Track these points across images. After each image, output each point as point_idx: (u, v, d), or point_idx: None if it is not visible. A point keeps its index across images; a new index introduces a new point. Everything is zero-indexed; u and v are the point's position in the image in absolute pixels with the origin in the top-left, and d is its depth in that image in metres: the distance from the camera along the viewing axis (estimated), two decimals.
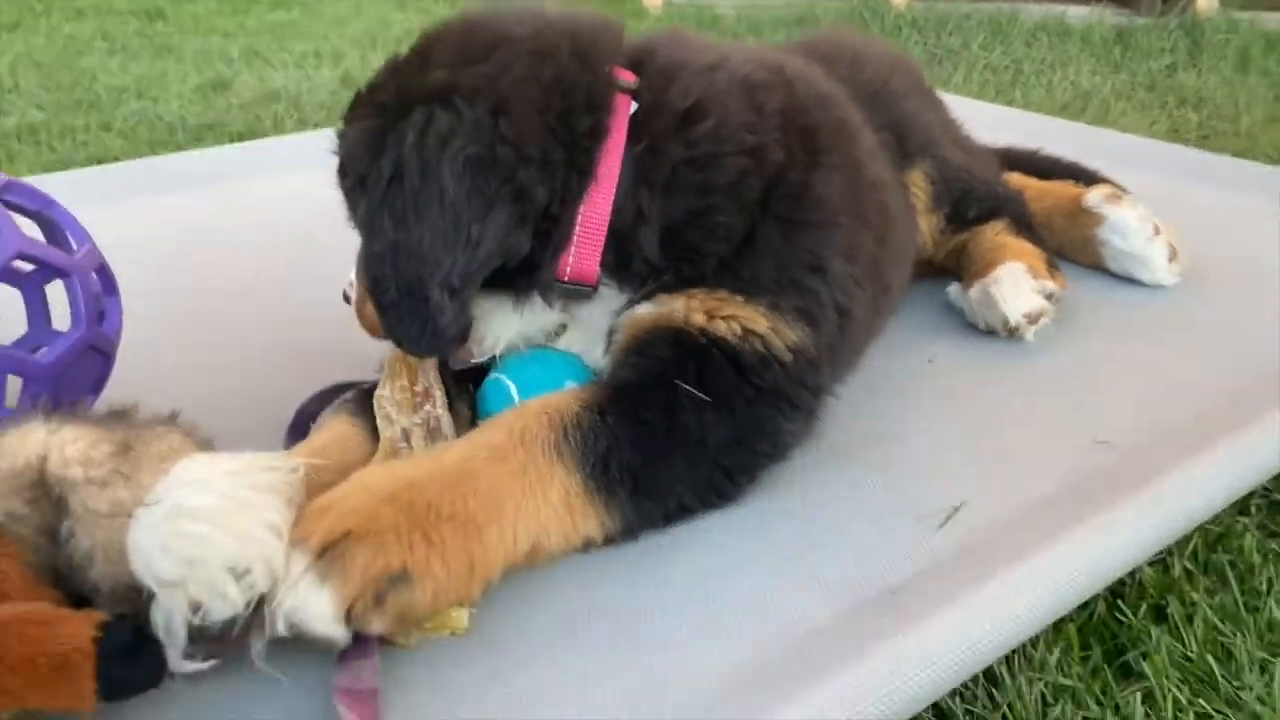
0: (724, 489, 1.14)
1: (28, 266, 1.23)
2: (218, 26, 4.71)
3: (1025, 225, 1.68)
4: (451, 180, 1.07)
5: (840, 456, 1.25)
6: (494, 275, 1.13)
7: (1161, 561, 1.29)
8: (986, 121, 1.99)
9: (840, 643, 0.95)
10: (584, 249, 1.15)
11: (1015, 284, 1.52)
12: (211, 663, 0.88)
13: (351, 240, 1.19)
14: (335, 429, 1.15)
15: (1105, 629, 1.27)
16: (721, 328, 1.15)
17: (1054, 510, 1.14)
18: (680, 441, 1.10)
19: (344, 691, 0.87)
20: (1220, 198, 2.05)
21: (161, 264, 1.80)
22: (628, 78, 1.19)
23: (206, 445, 0.95)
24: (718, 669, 0.94)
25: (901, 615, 0.97)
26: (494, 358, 1.24)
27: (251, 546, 0.86)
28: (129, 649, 0.83)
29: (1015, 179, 1.83)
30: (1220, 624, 1.25)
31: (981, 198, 1.67)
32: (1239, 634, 1.23)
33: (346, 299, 1.34)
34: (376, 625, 0.90)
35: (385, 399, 1.16)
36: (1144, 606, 1.28)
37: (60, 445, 0.88)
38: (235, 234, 1.99)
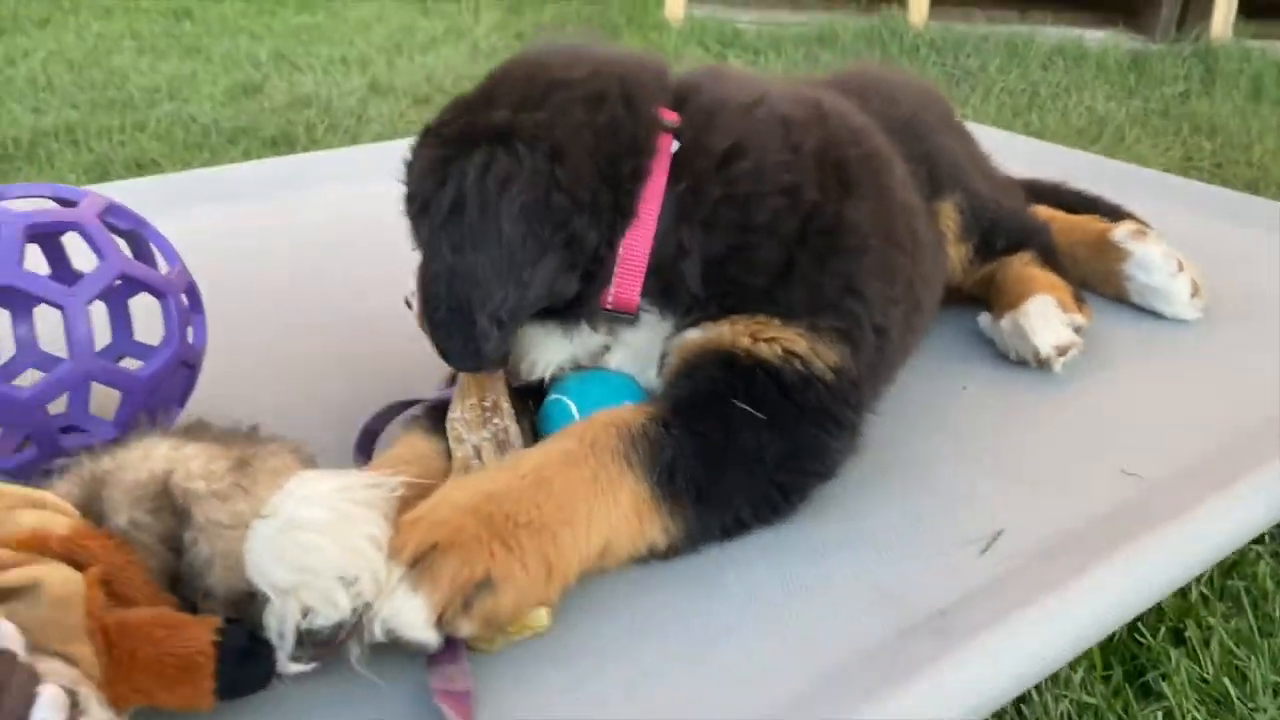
0: (778, 505, 1.19)
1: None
2: (244, 28, 4.73)
3: (1051, 256, 1.71)
4: (509, 223, 1.13)
5: (887, 479, 1.29)
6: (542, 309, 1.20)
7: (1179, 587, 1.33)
8: (1011, 150, 2.03)
9: (892, 659, 1.01)
10: (624, 281, 1.21)
11: (1045, 317, 1.55)
12: (314, 665, 0.93)
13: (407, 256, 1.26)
14: (414, 446, 1.21)
15: (1126, 650, 1.31)
16: (764, 350, 1.20)
17: (1087, 541, 1.17)
18: (739, 456, 1.15)
19: (443, 694, 0.93)
20: (1243, 235, 2.07)
21: (223, 276, 1.84)
22: (671, 117, 1.25)
23: (310, 461, 1.00)
24: (783, 679, 1.00)
25: (950, 637, 1.02)
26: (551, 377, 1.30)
27: (359, 558, 0.92)
28: (245, 651, 0.88)
29: (1043, 211, 1.85)
30: (1235, 648, 1.30)
31: (1009, 229, 1.70)
32: (1253, 658, 1.28)
33: (408, 304, 1.40)
34: (465, 629, 0.96)
35: (457, 420, 1.22)
36: (1163, 629, 1.34)
37: (185, 460, 0.93)
38: (294, 243, 2.01)
